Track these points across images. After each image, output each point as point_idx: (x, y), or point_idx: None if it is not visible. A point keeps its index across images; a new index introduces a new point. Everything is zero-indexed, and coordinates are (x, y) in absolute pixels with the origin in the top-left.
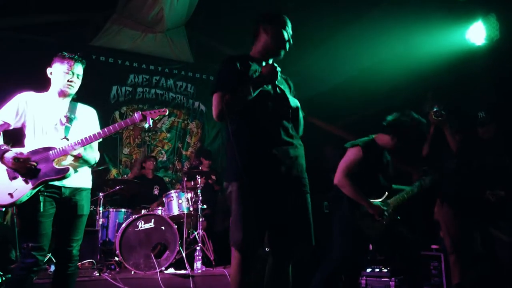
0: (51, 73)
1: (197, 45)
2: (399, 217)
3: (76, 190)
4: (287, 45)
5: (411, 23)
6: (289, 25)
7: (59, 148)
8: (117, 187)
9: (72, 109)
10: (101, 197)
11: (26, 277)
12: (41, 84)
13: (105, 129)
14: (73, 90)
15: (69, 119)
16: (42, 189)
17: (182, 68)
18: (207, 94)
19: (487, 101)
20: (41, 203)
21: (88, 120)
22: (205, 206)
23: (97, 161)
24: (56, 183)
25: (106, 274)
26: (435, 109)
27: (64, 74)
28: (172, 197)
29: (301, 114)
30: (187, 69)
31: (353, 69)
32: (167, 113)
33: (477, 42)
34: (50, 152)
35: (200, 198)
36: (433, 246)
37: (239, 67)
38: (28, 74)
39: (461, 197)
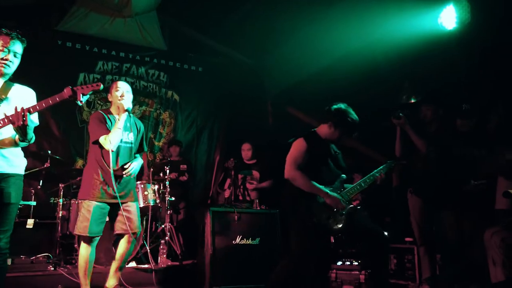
0: None
1: (171, 32)
2: (359, 207)
3: (1, 176)
4: None
5: (384, 8)
6: None
7: None
8: (78, 178)
9: (4, 90)
10: (61, 188)
11: None
12: None
13: (30, 107)
14: (9, 69)
15: None
16: None
17: (155, 56)
18: (181, 83)
19: (463, 87)
20: None
21: (24, 101)
22: (173, 198)
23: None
24: None
25: (62, 268)
26: (395, 113)
27: None
28: (138, 188)
29: None
30: (160, 57)
31: (326, 58)
32: (101, 88)
33: (449, 26)
34: None
35: (168, 190)
36: (407, 239)
37: None
38: None
39: (428, 187)
